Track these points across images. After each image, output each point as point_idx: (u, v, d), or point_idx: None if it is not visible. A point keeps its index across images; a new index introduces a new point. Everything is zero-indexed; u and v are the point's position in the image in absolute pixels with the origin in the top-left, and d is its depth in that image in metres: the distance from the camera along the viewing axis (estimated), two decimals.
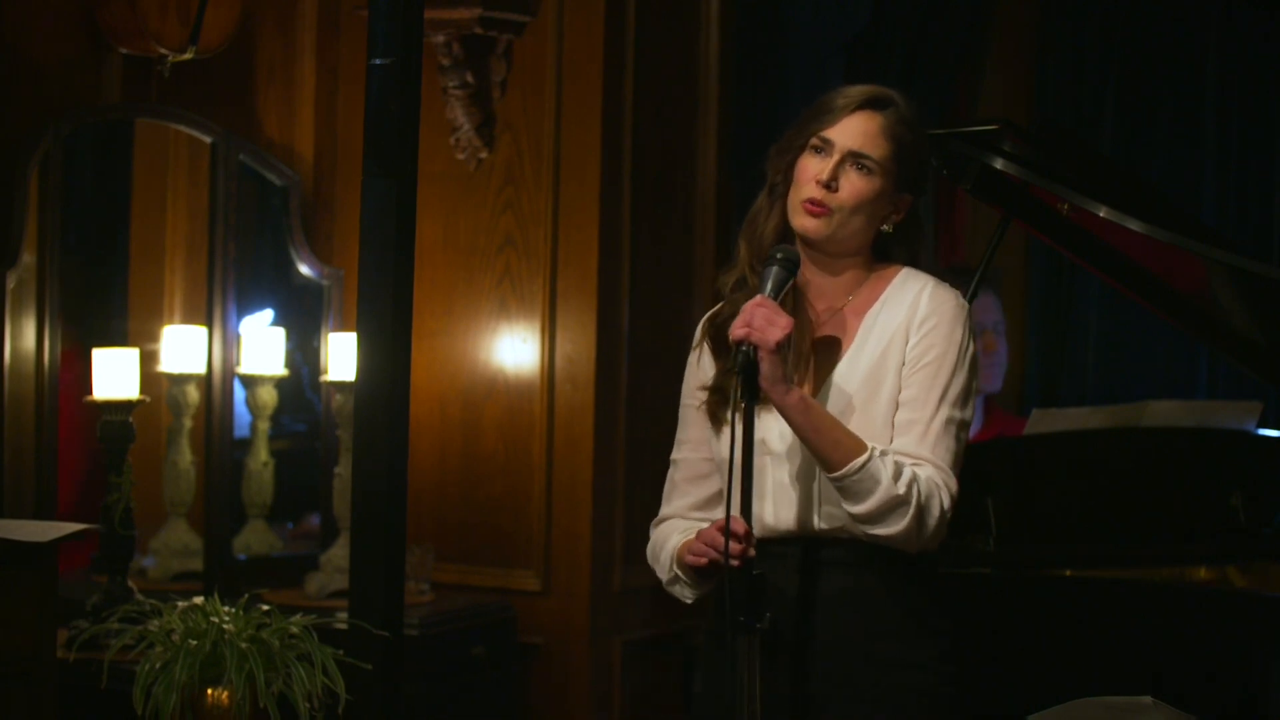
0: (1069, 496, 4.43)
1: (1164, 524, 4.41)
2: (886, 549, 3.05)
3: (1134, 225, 3.89)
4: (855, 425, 3.05)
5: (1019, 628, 4.13)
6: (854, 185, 3.09)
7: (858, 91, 3.13)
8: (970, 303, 3.29)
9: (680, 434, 3.27)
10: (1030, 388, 5.99)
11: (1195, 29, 5.92)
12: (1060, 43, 6.09)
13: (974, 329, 3.16)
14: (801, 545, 3.10)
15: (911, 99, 3.19)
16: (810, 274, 3.16)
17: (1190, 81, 5.92)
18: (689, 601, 3.22)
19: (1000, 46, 6.30)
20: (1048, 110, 6.06)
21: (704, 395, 3.19)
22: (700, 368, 3.23)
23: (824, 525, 3.09)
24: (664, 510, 3.29)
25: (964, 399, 3.10)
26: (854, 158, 3.10)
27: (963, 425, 3.10)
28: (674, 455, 3.28)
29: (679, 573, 3.17)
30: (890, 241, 3.18)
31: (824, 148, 3.11)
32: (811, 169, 3.10)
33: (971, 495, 4.07)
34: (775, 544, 3.09)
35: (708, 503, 3.24)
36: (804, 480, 3.08)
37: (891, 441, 3.06)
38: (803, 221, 3.10)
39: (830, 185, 3.08)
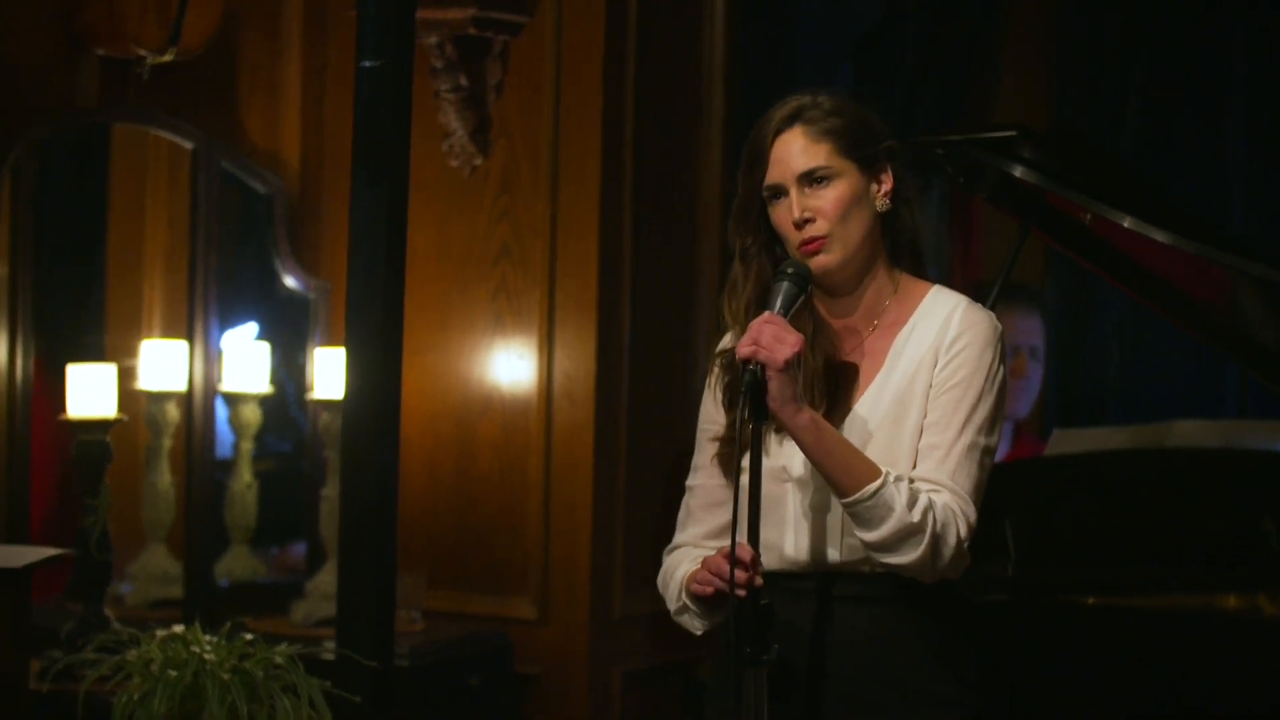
0: (1091, 520, 4.43)
1: (1191, 549, 4.41)
2: (910, 582, 3.05)
3: (1159, 236, 3.90)
4: (881, 451, 3.04)
5: (1038, 657, 4.13)
6: (826, 199, 3.08)
7: (770, 120, 3.11)
8: None
9: (696, 460, 3.27)
10: (1050, 407, 5.99)
11: (1221, 26, 5.93)
12: (1078, 42, 6.10)
13: (1005, 352, 3.14)
14: (821, 579, 3.10)
15: (837, 90, 3.15)
16: (831, 302, 3.16)
17: (1217, 82, 5.92)
18: (698, 633, 3.22)
19: (1016, 47, 6.31)
20: (1066, 114, 6.07)
21: (716, 443, 3.19)
22: (716, 404, 3.22)
23: (845, 557, 3.08)
24: (678, 538, 3.28)
25: (990, 425, 3.09)
26: (805, 179, 3.08)
27: (987, 452, 3.09)
28: (689, 481, 3.28)
29: (687, 602, 3.18)
30: (895, 222, 3.15)
31: (776, 193, 3.10)
32: (784, 219, 3.10)
33: (990, 518, 4.07)
34: (794, 578, 3.09)
35: (722, 531, 3.23)
36: (826, 509, 3.07)
37: (915, 467, 3.06)
38: (812, 262, 3.09)
39: (809, 220, 3.08)
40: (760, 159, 3.10)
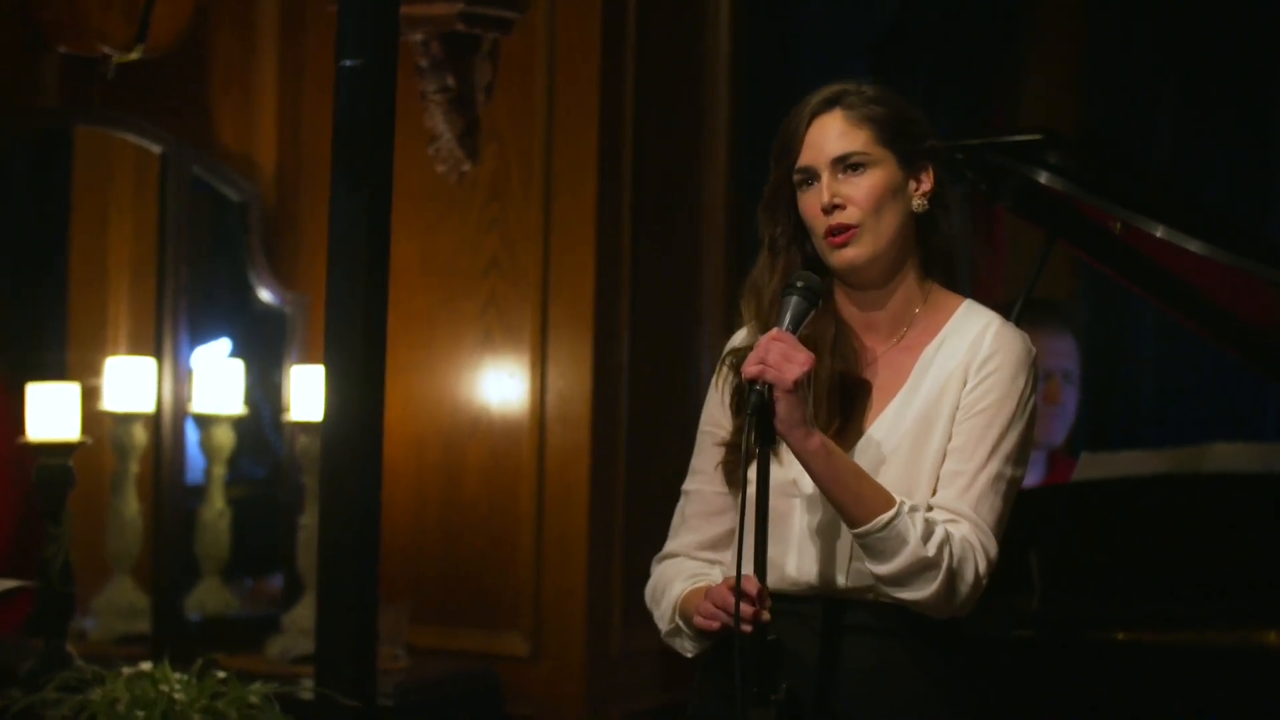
0: (1120, 551, 4.43)
1: (1228, 581, 4.41)
2: (918, 615, 3.04)
3: (1194, 246, 3.90)
4: (900, 473, 3.03)
5: (1065, 696, 4.13)
6: (859, 187, 3.07)
7: (808, 103, 3.11)
8: None
9: (695, 462, 3.25)
10: (1079, 429, 5.99)
11: (1263, 22, 5.92)
12: (1108, 40, 6.10)
13: (1039, 377, 3.13)
14: (824, 605, 3.09)
15: (878, 83, 3.16)
16: (854, 309, 3.14)
17: (1257, 81, 5.92)
18: (689, 655, 3.21)
19: (1041, 45, 6.31)
20: (1095, 117, 6.07)
21: (721, 450, 3.17)
22: (723, 405, 3.21)
23: (851, 583, 3.07)
24: (670, 545, 3.27)
25: (1018, 455, 3.07)
26: (840, 164, 3.07)
27: (1013, 484, 3.07)
28: (686, 486, 3.26)
29: (681, 625, 3.17)
30: (931, 229, 3.14)
31: (808, 177, 3.10)
32: (812, 204, 3.09)
33: (1014, 548, 4.07)
34: (795, 601, 3.07)
35: (718, 541, 3.22)
36: (835, 530, 3.06)
37: (935, 494, 3.05)
38: (839, 255, 3.08)
39: (838, 206, 3.07)
40: (793, 142, 3.09)
